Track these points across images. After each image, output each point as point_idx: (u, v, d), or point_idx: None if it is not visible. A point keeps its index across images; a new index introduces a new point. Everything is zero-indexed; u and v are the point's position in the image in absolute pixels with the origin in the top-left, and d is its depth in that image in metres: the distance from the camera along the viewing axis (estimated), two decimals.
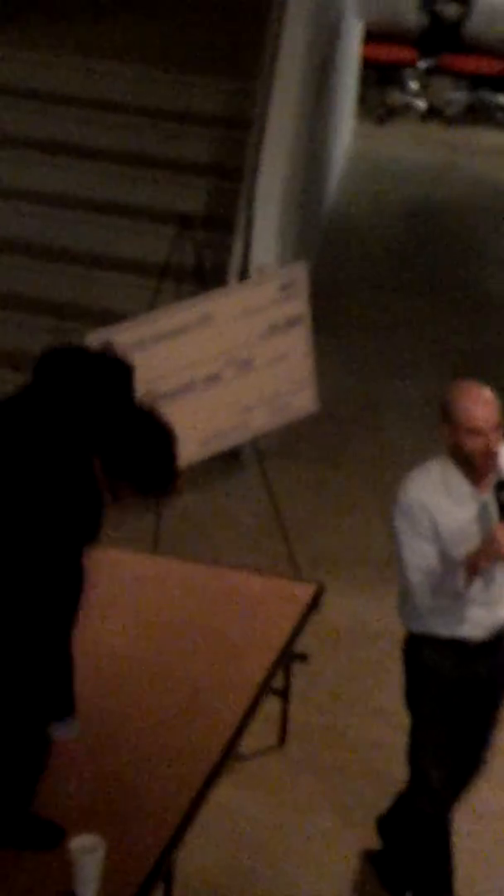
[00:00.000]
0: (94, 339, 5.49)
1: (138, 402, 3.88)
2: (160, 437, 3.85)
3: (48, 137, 8.18)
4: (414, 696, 4.58)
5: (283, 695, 5.38)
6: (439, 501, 4.34)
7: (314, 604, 5.45)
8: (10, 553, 3.83)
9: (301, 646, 5.40)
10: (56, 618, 3.91)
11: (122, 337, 5.52)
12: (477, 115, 11.85)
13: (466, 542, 4.34)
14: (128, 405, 3.86)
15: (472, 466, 4.34)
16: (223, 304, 5.90)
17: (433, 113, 11.86)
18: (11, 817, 4.26)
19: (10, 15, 8.96)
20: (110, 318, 6.92)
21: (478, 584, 4.37)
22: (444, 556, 4.36)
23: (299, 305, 6.16)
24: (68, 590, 3.90)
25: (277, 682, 5.24)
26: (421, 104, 11.92)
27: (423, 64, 11.86)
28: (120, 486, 3.86)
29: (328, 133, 9.42)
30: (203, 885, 4.80)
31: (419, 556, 4.35)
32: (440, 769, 4.54)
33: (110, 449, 3.82)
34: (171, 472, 3.85)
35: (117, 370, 3.90)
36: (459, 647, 4.47)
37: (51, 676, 3.97)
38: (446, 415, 4.33)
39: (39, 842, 4.25)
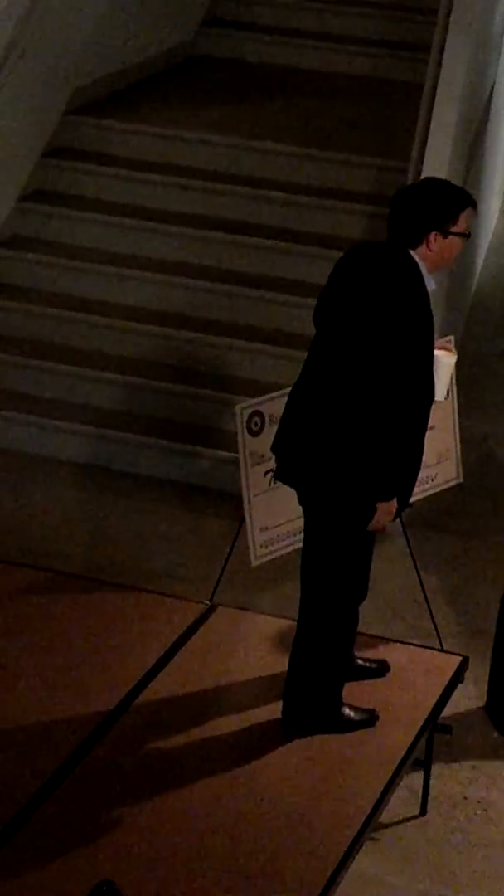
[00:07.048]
0: (243, 408, 5.61)
1: None
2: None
3: (203, 213, 8.39)
4: None
5: (425, 765, 5.40)
6: None
7: (458, 676, 5.47)
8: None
9: (443, 717, 5.42)
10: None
11: (271, 407, 5.63)
12: None
13: None
14: None
15: None
16: None
17: None
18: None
19: (165, 96, 9.22)
20: (259, 388, 7.08)
21: None
22: None
23: None
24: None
25: (419, 753, 5.26)
26: None
27: None
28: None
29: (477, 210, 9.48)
30: None
31: None
32: None
33: None
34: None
35: None
36: None
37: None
38: None
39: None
